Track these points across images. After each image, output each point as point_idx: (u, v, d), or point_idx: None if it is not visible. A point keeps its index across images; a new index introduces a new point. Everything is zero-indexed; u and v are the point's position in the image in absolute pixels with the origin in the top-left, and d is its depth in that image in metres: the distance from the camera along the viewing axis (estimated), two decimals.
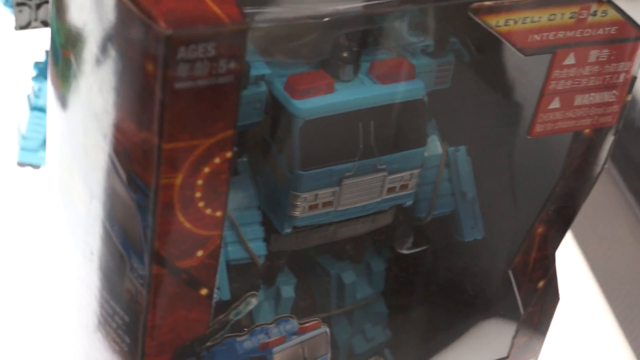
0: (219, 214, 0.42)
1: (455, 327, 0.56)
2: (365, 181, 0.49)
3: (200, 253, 0.43)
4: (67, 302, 0.53)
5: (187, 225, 0.42)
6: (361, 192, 0.49)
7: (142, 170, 0.41)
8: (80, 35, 0.45)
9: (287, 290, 0.53)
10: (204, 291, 0.44)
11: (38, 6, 0.70)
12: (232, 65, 0.39)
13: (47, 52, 0.74)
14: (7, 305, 0.68)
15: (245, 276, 0.49)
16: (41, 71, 0.74)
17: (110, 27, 0.41)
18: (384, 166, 0.49)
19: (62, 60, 0.47)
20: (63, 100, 0.49)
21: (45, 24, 0.71)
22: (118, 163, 0.42)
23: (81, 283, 0.49)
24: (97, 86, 0.43)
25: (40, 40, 0.74)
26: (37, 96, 0.74)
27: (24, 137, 0.75)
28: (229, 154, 0.41)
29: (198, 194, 0.41)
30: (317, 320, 0.49)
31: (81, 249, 0.48)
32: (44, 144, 0.76)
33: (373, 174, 0.49)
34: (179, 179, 0.41)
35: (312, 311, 0.54)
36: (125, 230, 0.43)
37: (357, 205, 0.50)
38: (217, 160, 0.41)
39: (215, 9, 0.39)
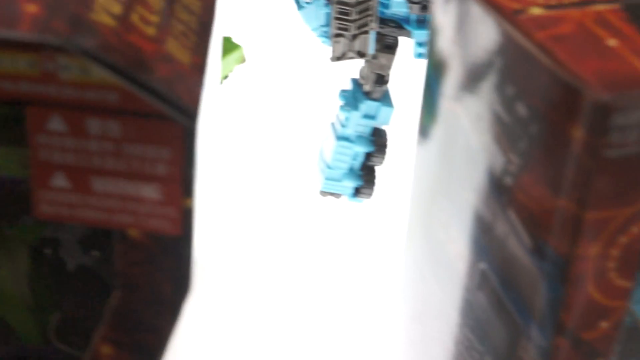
0: (628, 284, 0.40)
1: None
2: None
3: (604, 324, 0.40)
4: (416, 352, 0.52)
5: (596, 296, 0.39)
6: None
7: (554, 238, 0.38)
8: (474, 90, 0.43)
9: None
10: None
11: (354, 37, 0.69)
12: None
13: (353, 80, 0.73)
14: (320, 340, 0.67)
15: (630, 340, 0.46)
16: (347, 100, 0.73)
17: (519, 84, 0.39)
18: None
19: (444, 112, 0.46)
20: (436, 149, 0.47)
21: (360, 54, 0.70)
22: (521, 228, 0.40)
23: (449, 339, 0.47)
24: (498, 147, 0.41)
25: (348, 68, 0.73)
26: (343, 125, 0.73)
27: (328, 167, 0.74)
28: None
29: (611, 264, 0.39)
30: None
31: (454, 306, 0.46)
32: (348, 174, 0.75)
33: None
34: (595, 250, 0.38)
35: None
36: (523, 297, 0.41)
37: None
38: (634, 229, 0.38)
39: None
